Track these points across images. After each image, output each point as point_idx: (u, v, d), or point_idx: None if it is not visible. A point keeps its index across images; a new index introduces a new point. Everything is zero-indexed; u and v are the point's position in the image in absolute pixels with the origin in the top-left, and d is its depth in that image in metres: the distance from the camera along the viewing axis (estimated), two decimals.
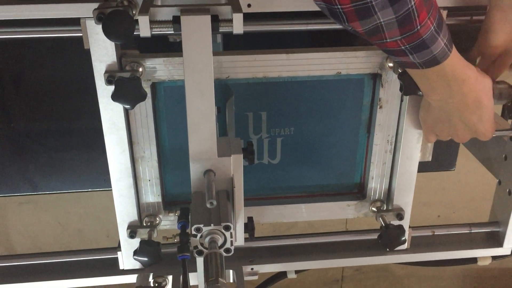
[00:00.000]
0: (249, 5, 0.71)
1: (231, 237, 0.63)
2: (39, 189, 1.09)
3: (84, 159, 1.08)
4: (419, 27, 0.57)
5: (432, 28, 0.58)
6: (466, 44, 0.88)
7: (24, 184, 1.09)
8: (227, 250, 0.64)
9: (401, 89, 0.76)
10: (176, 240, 0.66)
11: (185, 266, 0.63)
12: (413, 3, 0.55)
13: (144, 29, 0.64)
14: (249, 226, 0.72)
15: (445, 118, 0.74)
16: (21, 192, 1.10)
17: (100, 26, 0.63)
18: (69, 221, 1.63)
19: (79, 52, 0.98)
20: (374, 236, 0.89)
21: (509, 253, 0.95)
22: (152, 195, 0.83)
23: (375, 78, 0.81)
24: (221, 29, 0.64)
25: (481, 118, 0.72)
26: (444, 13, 0.74)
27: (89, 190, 1.11)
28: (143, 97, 0.70)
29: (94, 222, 1.62)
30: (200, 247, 0.64)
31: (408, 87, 0.73)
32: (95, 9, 0.64)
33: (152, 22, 0.64)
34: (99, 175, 1.10)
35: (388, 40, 0.58)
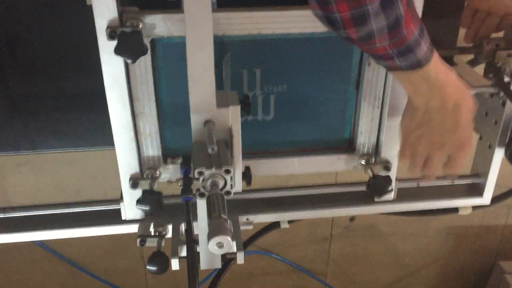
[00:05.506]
0: None
1: (231, 180, 0.68)
2: (38, 147, 1.12)
3: (84, 119, 1.10)
4: (405, 32, 0.59)
5: (416, 32, 0.61)
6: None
7: (23, 143, 1.11)
8: (227, 193, 0.68)
9: None
10: (180, 184, 0.70)
11: (188, 207, 0.68)
12: (401, 9, 0.57)
13: None
14: (247, 174, 0.77)
15: (427, 120, 0.75)
16: (21, 151, 1.13)
17: None
18: (66, 182, 1.66)
19: (76, 12, 1.00)
20: (363, 188, 0.93)
21: (488, 203, 1.01)
22: (152, 149, 0.86)
23: None
24: None
25: (459, 123, 0.73)
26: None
27: (88, 149, 1.14)
28: (144, 50, 0.72)
29: (92, 183, 1.65)
30: (202, 190, 0.68)
31: None
32: None
33: None
34: (98, 135, 1.12)
35: (377, 46, 0.61)
